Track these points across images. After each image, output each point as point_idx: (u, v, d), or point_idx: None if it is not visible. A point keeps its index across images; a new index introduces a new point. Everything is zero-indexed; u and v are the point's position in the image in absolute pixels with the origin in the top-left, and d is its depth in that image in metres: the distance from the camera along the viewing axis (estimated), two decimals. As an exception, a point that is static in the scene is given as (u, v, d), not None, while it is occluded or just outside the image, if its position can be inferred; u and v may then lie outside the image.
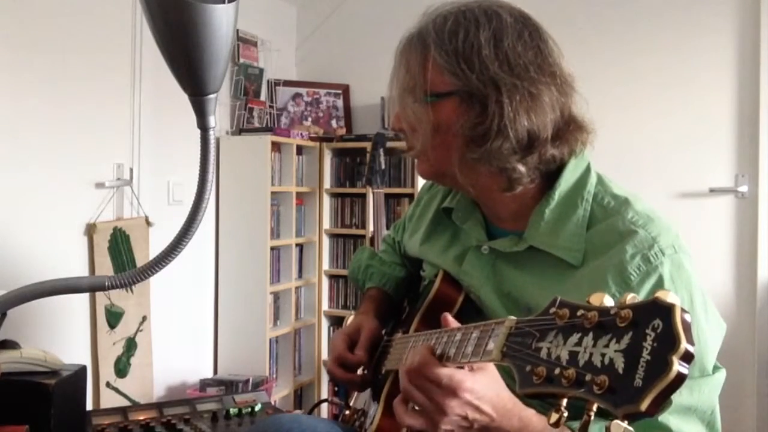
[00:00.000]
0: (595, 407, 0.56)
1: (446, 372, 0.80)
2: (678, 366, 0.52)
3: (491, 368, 0.83)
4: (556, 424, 0.59)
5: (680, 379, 0.52)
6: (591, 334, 0.58)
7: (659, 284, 0.91)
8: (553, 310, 0.64)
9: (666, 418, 0.88)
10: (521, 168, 0.97)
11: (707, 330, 0.94)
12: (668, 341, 0.52)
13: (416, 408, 0.86)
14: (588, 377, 0.56)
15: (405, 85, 1.02)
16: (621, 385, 0.54)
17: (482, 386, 0.81)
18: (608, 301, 0.60)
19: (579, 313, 0.61)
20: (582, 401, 0.57)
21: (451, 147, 1.01)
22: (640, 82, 3.16)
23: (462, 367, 0.81)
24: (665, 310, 0.54)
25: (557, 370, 0.59)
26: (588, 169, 1.04)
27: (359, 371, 1.22)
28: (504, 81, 0.95)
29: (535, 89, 0.95)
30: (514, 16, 1.00)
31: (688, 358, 0.52)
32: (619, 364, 0.54)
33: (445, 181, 1.10)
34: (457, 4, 1.02)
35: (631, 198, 1.01)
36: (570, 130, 1.00)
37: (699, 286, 0.95)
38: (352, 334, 1.24)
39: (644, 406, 0.52)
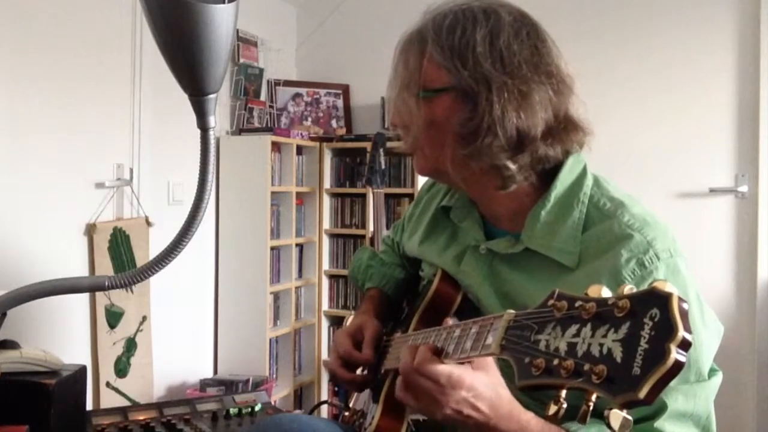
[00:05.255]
0: (594, 397, 0.57)
1: (445, 369, 0.80)
2: (676, 354, 0.52)
3: (492, 368, 0.83)
4: (555, 416, 0.59)
5: (678, 366, 0.52)
6: (589, 325, 0.59)
7: None
8: (551, 302, 0.64)
9: (661, 424, 0.88)
10: (512, 166, 0.98)
11: (703, 334, 0.94)
12: (666, 330, 0.53)
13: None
14: (586, 367, 0.56)
15: (403, 81, 1.03)
16: (619, 374, 0.54)
17: (481, 384, 0.81)
18: (606, 293, 0.60)
19: (577, 304, 0.61)
20: (581, 391, 0.57)
21: (444, 143, 1.01)
22: (640, 83, 3.17)
23: (462, 364, 0.81)
24: (663, 299, 0.54)
25: (556, 361, 0.60)
26: (584, 171, 1.04)
27: (359, 371, 1.22)
28: (495, 78, 0.95)
29: (526, 87, 0.96)
30: (513, 15, 1.00)
31: (685, 345, 0.52)
32: (618, 354, 0.55)
33: (442, 178, 1.11)
34: (459, 3, 1.02)
35: (627, 201, 1.00)
36: (565, 129, 0.99)
37: (695, 290, 0.95)
38: (355, 334, 1.23)
39: (642, 394, 0.52)
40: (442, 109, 0.99)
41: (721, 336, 0.98)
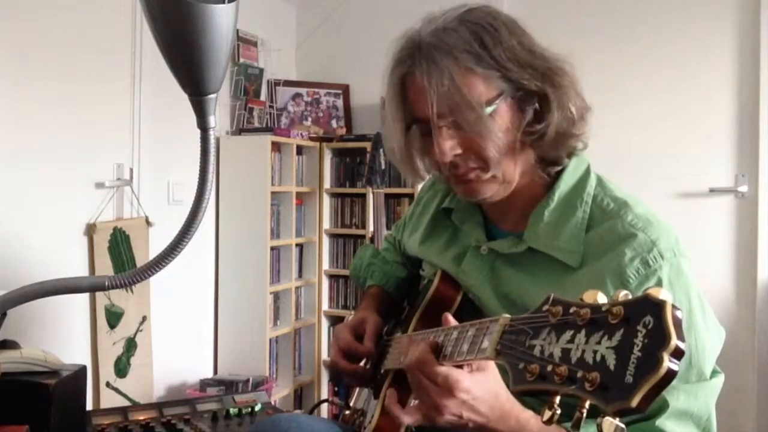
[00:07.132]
0: (587, 404, 0.57)
1: (443, 371, 0.81)
2: (668, 362, 0.52)
3: (492, 368, 0.84)
4: (549, 421, 0.59)
5: (671, 375, 0.52)
6: (583, 331, 0.59)
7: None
8: (546, 307, 0.64)
9: (662, 422, 0.88)
10: (580, 135, 1.01)
11: (705, 334, 0.94)
12: (659, 338, 0.53)
13: (413, 404, 0.88)
14: (580, 374, 0.57)
15: (451, 107, 0.97)
16: (612, 382, 0.54)
17: (480, 387, 0.81)
18: (601, 299, 0.60)
19: (571, 310, 0.61)
20: (574, 398, 0.57)
21: (514, 146, 1.00)
22: (640, 83, 3.16)
23: (461, 366, 0.82)
24: (656, 307, 0.54)
25: (550, 368, 0.60)
26: (588, 171, 1.04)
27: (362, 364, 1.23)
28: (538, 66, 0.97)
29: (560, 66, 0.99)
30: (503, 16, 1.02)
31: (678, 354, 0.52)
32: (611, 361, 0.55)
33: (504, 191, 1.05)
34: (453, 17, 1.00)
35: (631, 201, 1.01)
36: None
37: (697, 291, 0.95)
38: (356, 327, 1.24)
39: (635, 402, 0.52)
40: (505, 115, 0.98)
41: (724, 339, 0.97)
